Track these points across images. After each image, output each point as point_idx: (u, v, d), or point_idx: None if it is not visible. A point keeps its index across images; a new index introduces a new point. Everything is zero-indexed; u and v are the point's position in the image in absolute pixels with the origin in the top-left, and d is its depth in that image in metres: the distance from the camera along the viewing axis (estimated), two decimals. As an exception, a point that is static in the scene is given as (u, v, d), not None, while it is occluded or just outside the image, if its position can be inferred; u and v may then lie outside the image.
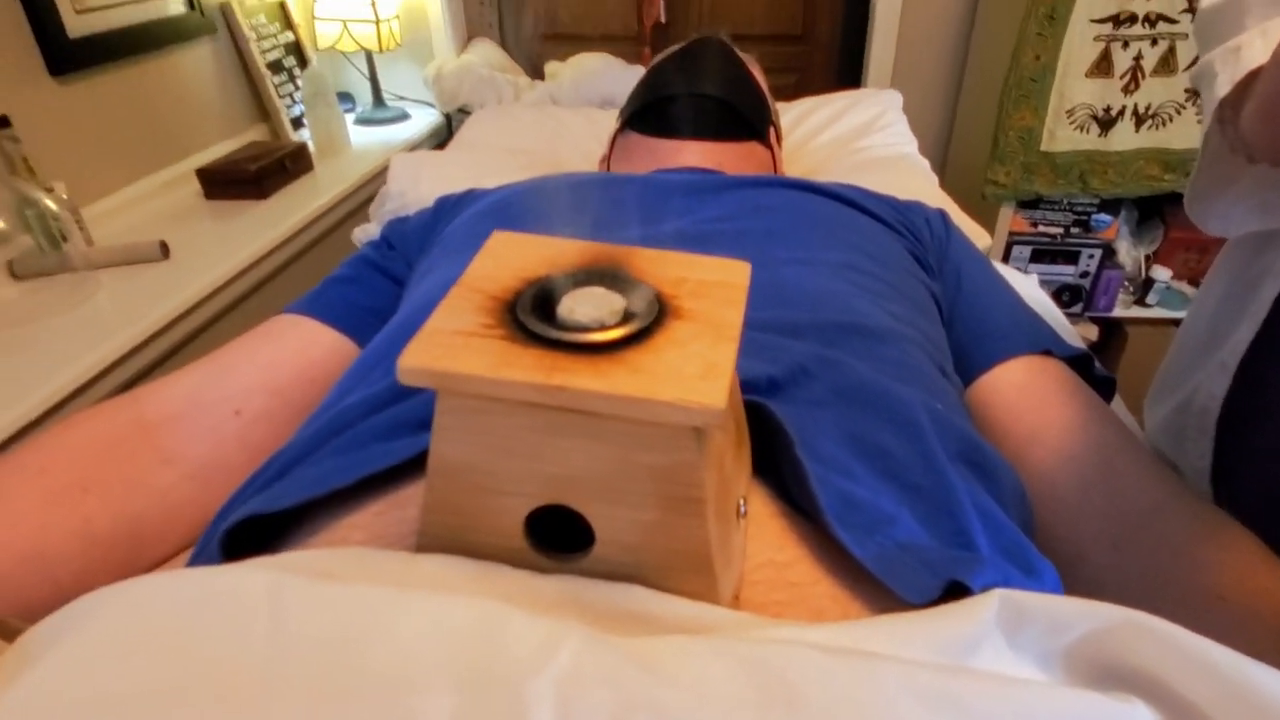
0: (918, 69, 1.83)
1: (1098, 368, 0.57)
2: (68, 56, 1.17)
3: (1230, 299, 0.51)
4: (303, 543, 0.34)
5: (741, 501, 0.29)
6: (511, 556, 0.25)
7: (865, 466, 0.36)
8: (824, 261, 0.53)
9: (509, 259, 0.27)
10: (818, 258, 0.53)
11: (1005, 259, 1.74)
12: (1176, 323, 0.56)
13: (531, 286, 0.25)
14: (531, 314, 0.24)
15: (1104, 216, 1.69)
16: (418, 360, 0.22)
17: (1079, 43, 1.49)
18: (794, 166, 1.18)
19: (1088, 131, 1.57)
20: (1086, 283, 1.75)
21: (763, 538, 0.32)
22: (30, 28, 1.12)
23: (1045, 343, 0.55)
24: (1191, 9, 1.45)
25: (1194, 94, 1.52)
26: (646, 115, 0.78)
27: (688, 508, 0.24)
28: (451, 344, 0.23)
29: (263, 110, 1.63)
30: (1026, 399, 0.52)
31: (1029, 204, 1.69)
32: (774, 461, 0.35)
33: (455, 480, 0.25)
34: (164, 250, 1.13)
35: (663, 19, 2.01)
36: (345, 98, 1.88)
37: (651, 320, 0.24)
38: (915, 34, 1.80)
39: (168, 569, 0.46)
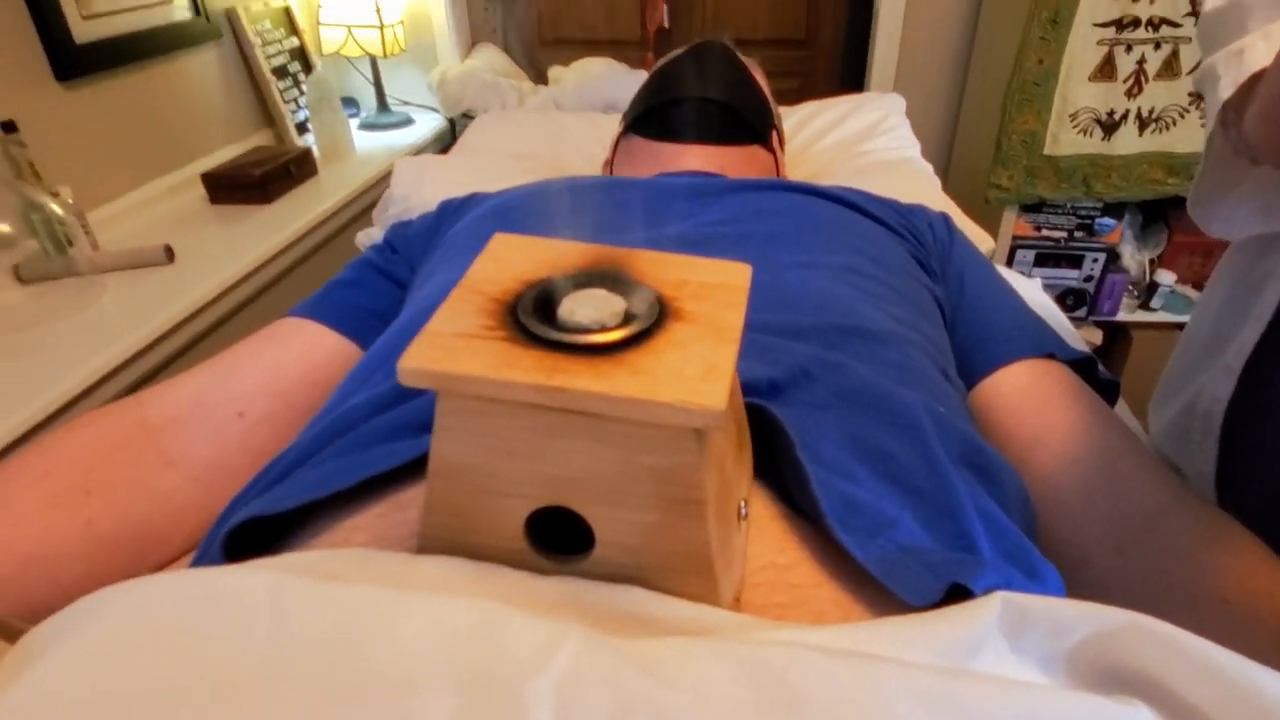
0: (921, 73, 1.83)
1: (1101, 371, 0.57)
2: (74, 62, 1.17)
3: (1234, 302, 0.51)
4: (305, 544, 0.34)
5: (742, 504, 0.29)
6: (512, 558, 0.25)
7: (867, 469, 0.36)
8: (826, 265, 0.53)
9: (510, 261, 0.27)
10: (820, 261, 0.53)
11: (1009, 263, 1.74)
12: (1181, 327, 0.56)
13: (532, 288, 0.25)
14: (532, 316, 0.24)
15: (1108, 220, 1.68)
16: (418, 361, 0.22)
17: (1082, 47, 1.49)
18: (797, 170, 1.18)
19: (1091, 135, 1.57)
20: (1090, 287, 1.75)
21: (764, 540, 0.32)
22: (37, 33, 1.12)
23: (1048, 346, 0.55)
24: (1195, 13, 1.45)
25: (1198, 97, 1.52)
26: (649, 119, 0.78)
27: (688, 509, 0.23)
28: (452, 345, 0.23)
29: (267, 115, 1.64)
30: (1029, 402, 0.52)
31: (1032, 208, 1.69)
32: (775, 464, 0.35)
33: (456, 481, 0.25)
34: (169, 254, 1.13)
35: (666, 24, 2.02)
36: (350, 103, 1.89)
37: (652, 322, 0.24)
38: (918, 38, 1.80)
39: (172, 571, 0.46)
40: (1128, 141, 1.57)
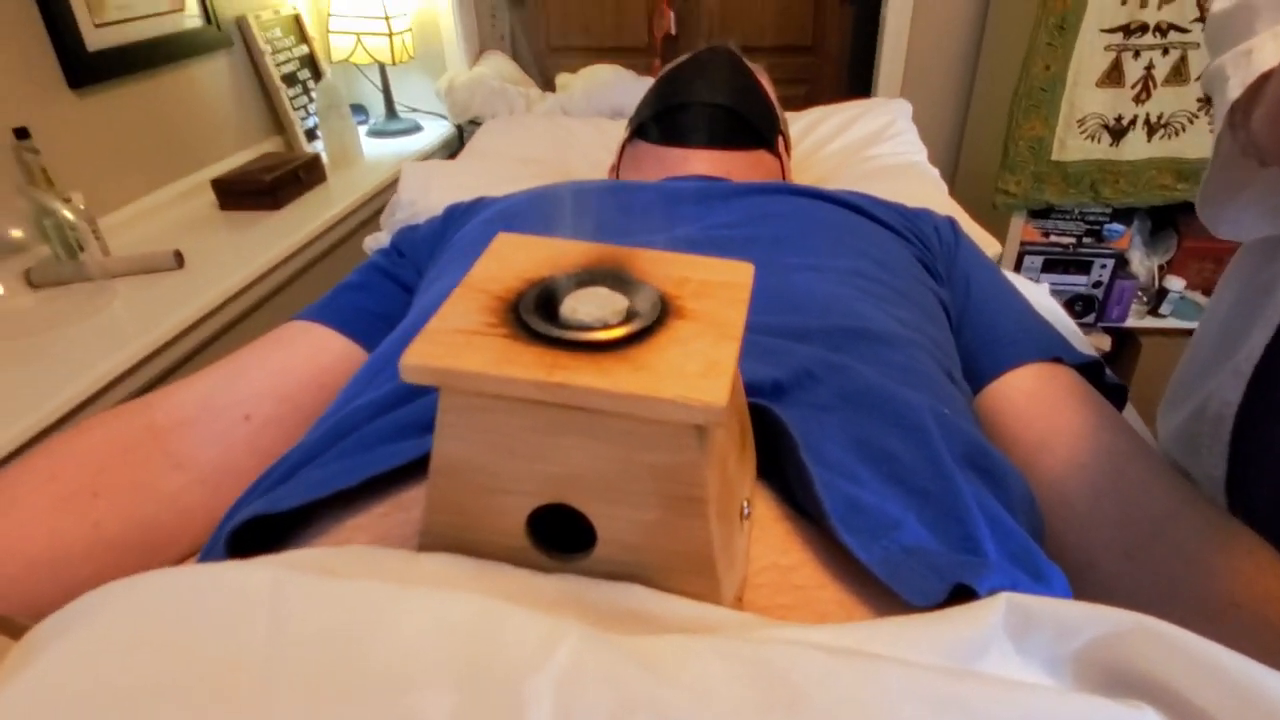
0: (927, 79, 1.83)
1: (1109, 375, 0.57)
2: (86, 69, 1.19)
3: (1243, 305, 0.51)
4: (307, 544, 0.34)
5: (745, 503, 0.29)
6: (513, 556, 0.25)
7: (871, 471, 0.35)
8: (832, 268, 0.53)
9: (513, 260, 0.27)
10: (826, 264, 0.53)
11: (1017, 268, 1.73)
12: (1190, 333, 0.56)
13: (535, 287, 0.25)
14: (534, 313, 0.24)
15: (1116, 226, 1.68)
16: (420, 358, 0.22)
17: (1089, 52, 1.49)
18: (803, 175, 1.18)
19: (1099, 141, 1.57)
20: (1099, 293, 1.74)
21: (767, 541, 0.32)
22: (50, 41, 1.14)
23: (1055, 350, 0.55)
24: (1203, 18, 1.45)
25: (1206, 103, 1.51)
26: (655, 124, 0.79)
27: (689, 507, 0.23)
28: (454, 342, 0.23)
29: (277, 122, 1.66)
30: (1036, 406, 0.52)
31: (1040, 213, 1.68)
32: (779, 465, 0.35)
33: (458, 479, 0.25)
34: (179, 260, 1.14)
35: (673, 31, 2.03)
36: (358, 110, 1.90)
37: (654, 320, 0.24)
38: (925, 44, 1.80)
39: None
40: (1136, 147, 1.57)
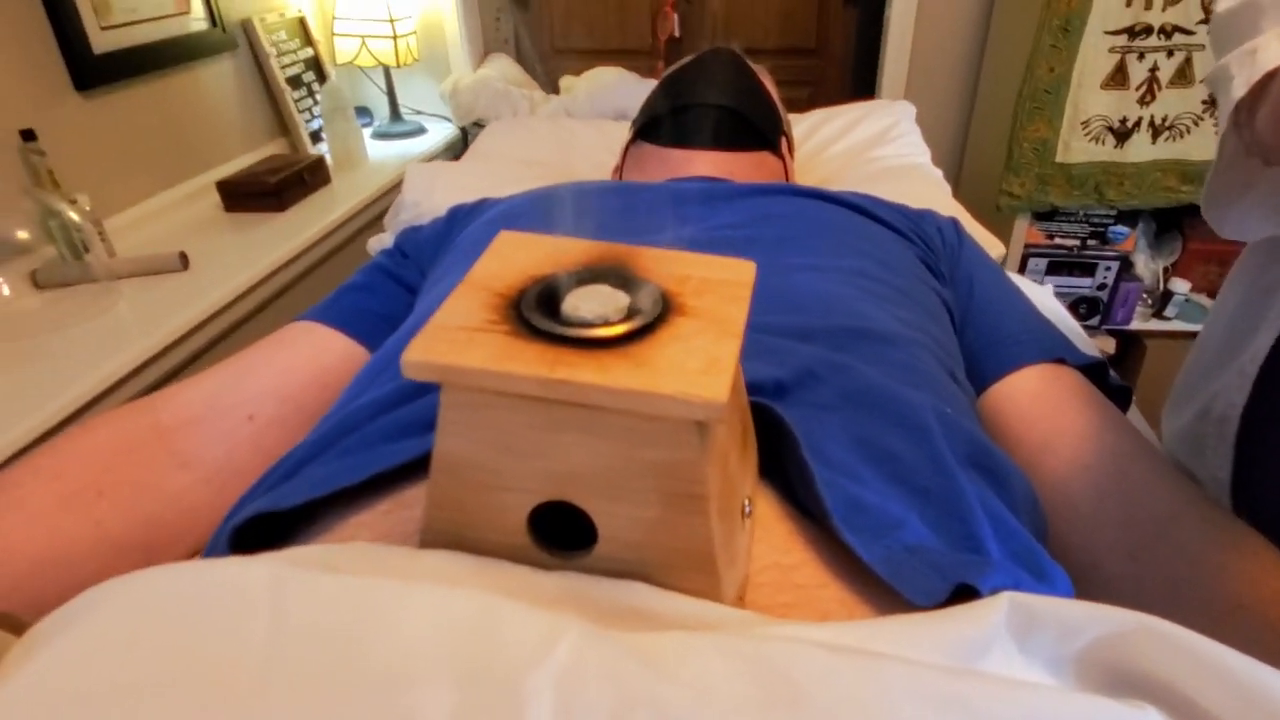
0: (931, 81, 1.83)
1: (1113, 376, 0.57)
2: (92, 72, 1.19)
3: (1248, 305, 0.51)
4: (310, 542, 0.34)
5: (747, 502, 0.29)
6: (515, 553, 0.25)
7: (873, 470, 0.35)
8: (835, 268, 0.53)
9: (515, 258, 0.27)
10: (829, 264, 0.53)
11: (1021, 270, 1.73)
12: (1196, 336, 0.56)
13: (536, 284, 0.25)
14: (536, 310, 0.24)
15: (1121, 228, 1.67)
16: (422, 354, 0.22)
17: (1093, 54, 1.49)
18: (807, 176, 1.18)
19: (1103, 143, 1.56)
20: (1104, 295, 1.73)
21: (769, 540, 0.31)
22: (57, 43, 1.14)
23: (1059, 351, 0.55)
24: (1207, 20, 1.44)
25: (1211, 104, 1.51)
26: (658, 125, 0.79)
27: (690, 505, 0.23)
28: (455, 338, 0.23)
29: (282, 124, 1.66)
30: (1040, 407, 0.52)
31: (1044, 215, 1.68)
32: (781, 465, 0.34)
33: (459, 476, 0.25)
34: (184, 261, 1.15)
35: (677, 34, 2.03)
36: (363, 112, 1.91)
37: (655, 317, 0.24)
38: (929, 46, 1.80)
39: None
40: (1140, 149, 1.56)
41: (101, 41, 1.21)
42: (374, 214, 1.50)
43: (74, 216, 1.06)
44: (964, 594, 0.28)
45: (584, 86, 1.68)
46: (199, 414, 0.49)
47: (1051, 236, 1.70)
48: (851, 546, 0.30)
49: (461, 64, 1.91)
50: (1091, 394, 0.52)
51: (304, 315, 0.59)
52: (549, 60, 2.13)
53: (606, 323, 0.23)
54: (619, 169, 0.86)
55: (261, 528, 0.35)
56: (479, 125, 1.73)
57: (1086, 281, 1.72)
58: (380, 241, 1.10)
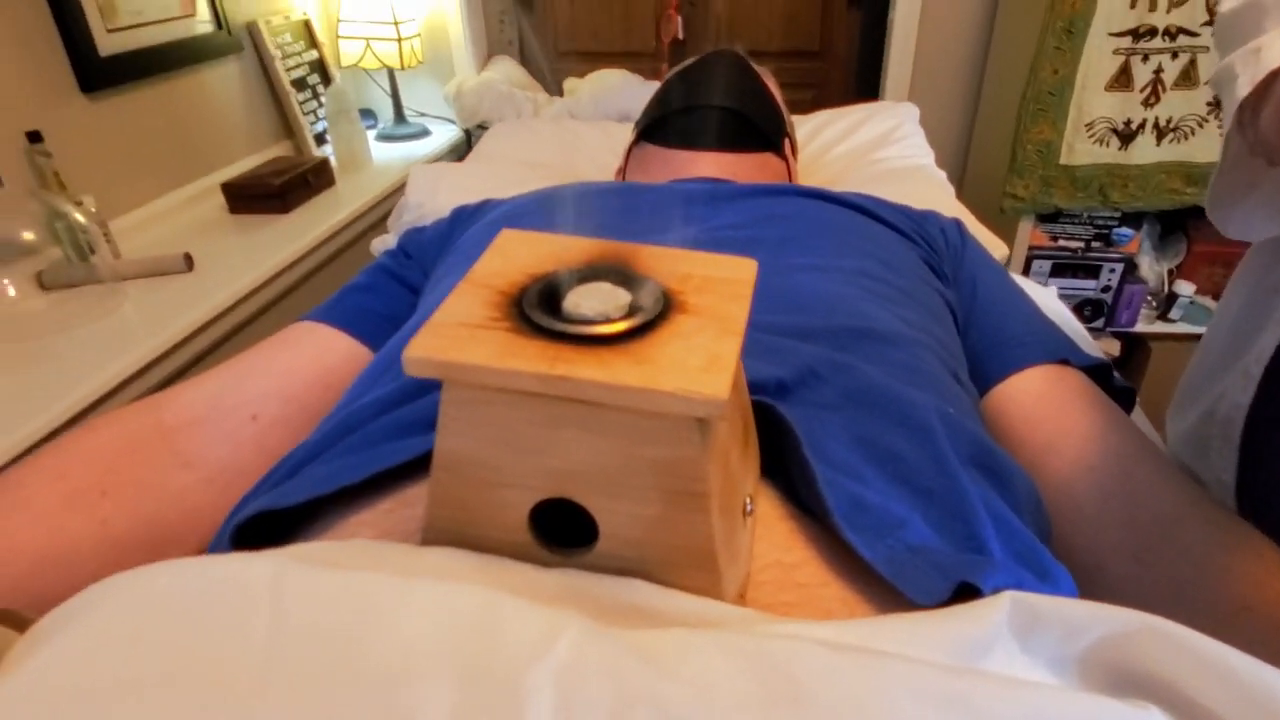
0: (935, 83, 1.83)
1: (1117, 378, 0.56)
2: (99, 74, 1.20)
3: (1253, 306, 0.51)
4: (312, 540, 0.34)
5: (748, 500, 0.29)
6: (516, 551, 0.25)
7: (875, 470, 0.35)
8: (837, 268, 0.53)
9: (517, 256, 0.27)
10: (831, 264, 0.53)
11: (1025, 272, 1.73)
12: (1200, 338, 0.56)
13: (538, 282, 0.25)
14: (537, 308, 0.24)
15: (1125, 230, 1.67)
16: (423, 351, 0.22)
17: (1098, 56, 1.49)
18: (810, 178, 1.18)
19: (1107, 145, 1.56)
20: (1108, 297, 1.73)
21: (770, 539, 0.31)
22: (63, 46, 1.15)
23: (1063, 352, 0.55)
24: (1212, 22, 1.44)
25: (1216, 106, 1.51)
26: (661, 126, 0.79)
27: (691, 502, 0.23)
28: (457, 335, 0.23)
29: (287, 126, 1.67)
30: (1043, 408, 0.51)
31: (1049, 218, 1.67)
32: (783, 464, 0.34)
33: (460, 474, 0.25)
34: (188, 262, 1.15)
35: (680, 36, 2.04)
36: (367, 114, 1.91)
37: (656, 314, 0.24)
38: (932, 48, 1.80)
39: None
40: (1145, 151, 1.56)
41: (107, 44, 1.22)
42: (378, 216, 1.51)
43: (79, 218, 1.06)
44: (966, 593, 0.28)
45: (588, 89, 1.68)
46: (202, 414, 0.49)
47: (1055, 238, 1.70)
48: (853, 545, 0.30)
49: (466, 66, 1.92)
50: (1095, 395, 0.52)
51: (307, 316, 0.59)
52: (553, 62, 2.13)
53: (607, 320, 0.23)
54: (622, 170, 0.87)
55: (264, 526, 0.35)
56: (483, 127, 1.73)
57: (1091, 284, 1.72)
58: (384, 243, 1.10)
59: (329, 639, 0.21)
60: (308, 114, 1.67)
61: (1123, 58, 1.49)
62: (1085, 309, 1.73)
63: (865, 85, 2.00)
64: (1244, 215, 0.47)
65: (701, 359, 0.22)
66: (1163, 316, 1.75)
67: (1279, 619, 0.37)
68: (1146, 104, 1.52)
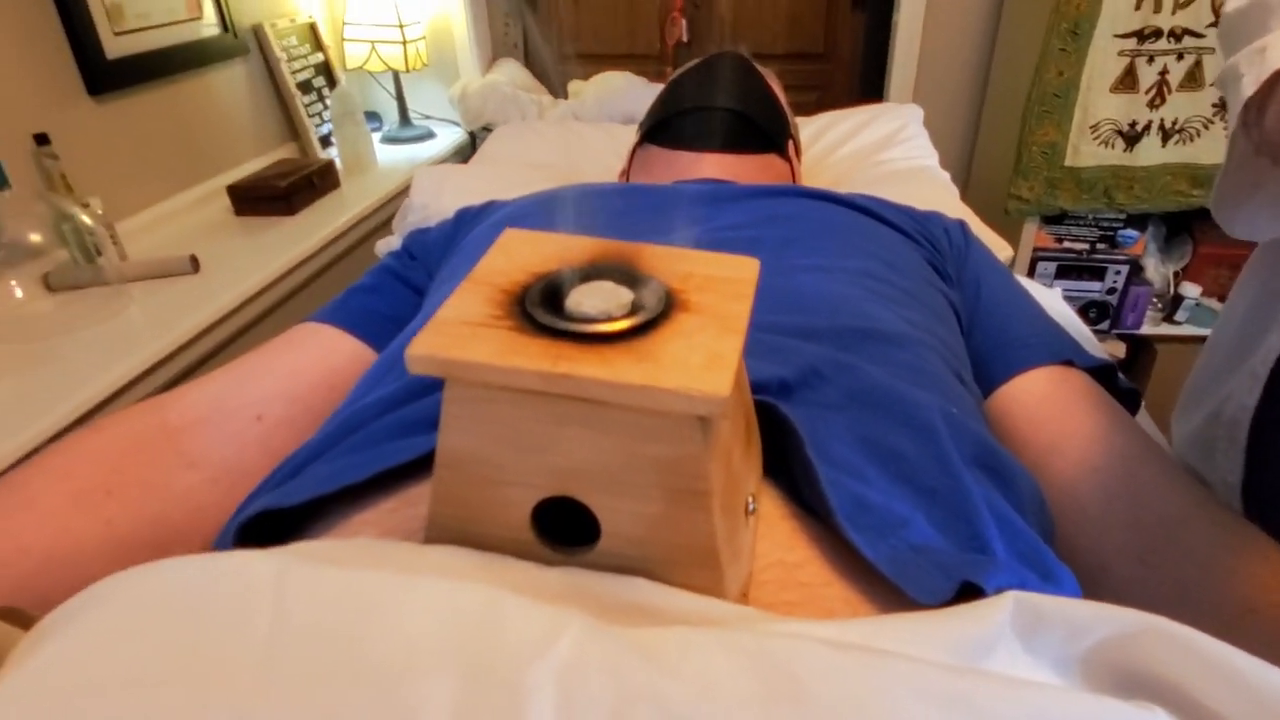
0: (940, 85, 1.83)
1: (1121, 379, 0.56)
2: (105, 77, 1.21)
3: (1259, 306, 0.50)
4: (315, 539, 0.34)
5: (750, 499, 0.29)
6: (518, 549, 0.25)
7: (878, 470, 0.35)
8: (841, 269, 0.53)
9: (520, 255, 0.27)
10: (834, 265, 0.53)
11: (1030, 274, 1.72)
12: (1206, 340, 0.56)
13: (540, 280, 0.26)
14: (539, 306, 0.24)
15: (1131, 232, 1.66)
16: (426, 348, 0.22)
17: (1103, 58, 1.48)
18: (814, 179, 1.18)
19: (1113, 147, 1.56)
20: (1114, 299, 1.72)
21: (772, 538, 0.31)
22: (70, 49, 1.16)
23: (1067, 353, 0.54)
24: (1218, 23, 1.43)
25: (1222, 107, 1.50)
26: (665, 128, 0.79)
27: (693, 500, 0.23)
28: (459, 333, 0.23)
29: (292, 129, 1.67)
30: (1047, 409, 0.51)
31: (1053, 219, 1.67)
32: (786, 463, 0.34)
33: (463, 471, 0.25)
34: (194, 264, 1.15)
35: (685, 39, 2.04)
36: (372, 116, 1.92)
37: (658, 313, 0.24)
38: (937, 50, 1.80)
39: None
40: (1150, 153, 1.56)
41: (114, 47, 1.22)
42: (383, 218, 1.51)
43: (86, 220, 1.07)
44: (969, 593, 0.28)
45: (592, 90, 1.68)
46: (207, 414, 0.49)
47: (1060, 240, 1.69)
48: (856, 545, 0.29)
49: (470, 68, 1.92)
50: (1100, 396, 0.52)
51: (312, 317, 0.60)
52: (558, 65, 2.13)
53: (609, 318, 0.23)
54: (625, 172, 0.87)
55: (267, 526, 0.35)
56: (488, 129, 1.74)
57: (1096, 285, 1.72)
58: (389, 244, 1.10)
59: (331, 636, 0.21)
60: (313, 116, 1.68)
61: (1128, 59, 1.49)
62: (1090, 311, 1.73)
63: (870, 87, 2.00)
64: (1249, 215, 0.47)
65: (703, 357, 0.22)
66: (1168, 319, 1.74)
67: (1284, 621, 0.37)
68: (1152, 105, 1.52)
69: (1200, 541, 0.41)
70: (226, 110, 1.50)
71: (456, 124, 1.89)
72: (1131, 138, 1.55)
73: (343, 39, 1.74)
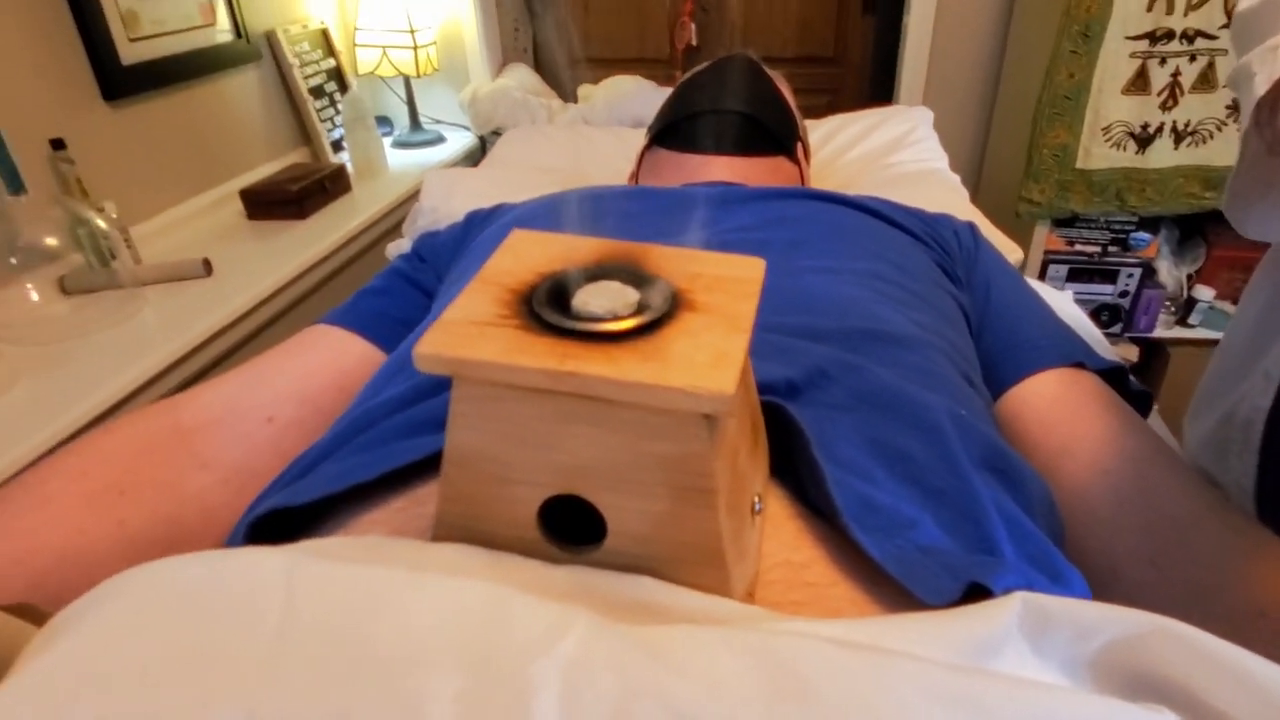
0: (950, 88, 1.83)
1: (1132, 381, 0.56)
2: (121, 82, 1.22)
3: (1272, 308, 0.50)
4: (324, 537, 0.34)
5: (757, 499, 0.29)
6: (525, 547, 0.26)
7: (886, 471, 0.35)
8: (849, 270, 0.53)
9: (527, 255, 0.28)
10: (843, 266, 0.53)
11: (1041, 277, 1.71)
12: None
13: (547, 280, 0.26)
14: (546, 305, 0.24)
15: (1143, 235, 1.65)
16: (434, 347, 0.23)
17: (1114, 60, 1.47)
18: (824, 182, 1.18)
19: (1124, 149, 1.55)
20: (1126, 302, 1.71)
21: (779, 538, 0.31)
22: (86, 55, 1.17)
23: (1077, 355, 0.54)
24: (1230, 24, 1.42)
25: (1234, 109, 1.49)
26: (674, 131, 0.79)
27: (698, 499, 0.23)
28: (467, 332, 0.23)
29: (304, 134, 1.69)
30: (1058, 411, 0.51)
31: (1065, 222, 1.66)
32: (792, 464, 0.34)
33: (470, 470, 0.25)
34: (207, 268, 1.16)
35: (694, 42, 2.04)
36: (383, 121, 1.93)
37: (665, 312, 0.24)
38: (947, 53, 1.79)
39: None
40: (1163, 155, 1.54)
41: (129, 53, 1.24)
42: (393, 221, 1.52)
43: (101, 224, 1.08)
44: (977, 594, 0.28)
45: (601, 94, 1.69)
46: (219, 416, 0.50)
47: (1072, 243, 1.68)
48: (862, 545, 0.29)
49: (480, 73, 1.93)
50: (1111, 398, 0.51)
51: (323, 319, 0.60)
52: (567, 69, 2.14)
53: (616, 317, 0.24)
54: (635, 175, 0.87)
55: (277, 524, 0.35)
56: (498, 134, 1.74)
57: (1108, 289, 1.70)
58: (399, 247, 1.11)
59: (339, 632, 0.21)
60: (325, 121, 1.69)
61: (1140, 61, 1.48)
62: (1102, 314, 1.72)
63: (880, 90, 2.00)
64: (1261, 215, 0.47)
65: (709, 356, 0.22)
66: (1181, 322, 1.73)
67: (1296, 624, 0.36)
68: (1164, 107, 1.51)
69: (1211, 545, 0.41)
70: (239, 115, 1.52)
71: (467, 128, 1.90)
72: (1144, 140, 1.54)
73: (354, 44, 1.75)
